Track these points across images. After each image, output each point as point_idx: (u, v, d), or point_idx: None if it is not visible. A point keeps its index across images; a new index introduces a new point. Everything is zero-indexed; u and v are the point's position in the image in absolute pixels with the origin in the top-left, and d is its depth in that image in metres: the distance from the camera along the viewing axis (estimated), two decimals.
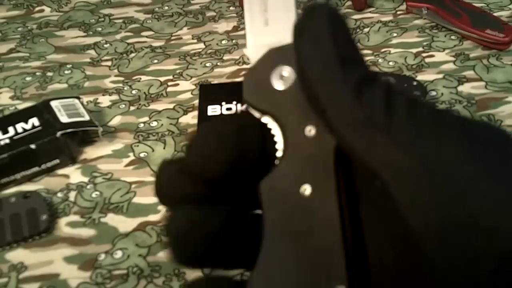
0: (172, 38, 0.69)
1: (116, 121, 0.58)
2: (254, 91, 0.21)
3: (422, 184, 0.16)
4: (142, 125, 0.57)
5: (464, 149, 0.16)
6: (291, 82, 0.20)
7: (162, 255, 0.45)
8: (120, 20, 0.73)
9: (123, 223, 0.47)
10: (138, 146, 0.54)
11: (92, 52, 0.68)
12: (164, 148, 0.54)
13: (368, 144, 0.17)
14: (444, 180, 0.16)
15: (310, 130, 0.19)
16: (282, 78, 0.20)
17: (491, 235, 0.15)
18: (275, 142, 0.20)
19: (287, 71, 0.20)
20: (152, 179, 0.51)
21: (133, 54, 0.67)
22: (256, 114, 0.21)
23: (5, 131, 0.51)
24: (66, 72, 0.65)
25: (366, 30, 0.67)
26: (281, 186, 0.20)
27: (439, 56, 0.62)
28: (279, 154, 0.20)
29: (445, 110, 0.18)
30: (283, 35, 0.22)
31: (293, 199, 0.19)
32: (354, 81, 0.18)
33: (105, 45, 0.69)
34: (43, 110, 0.53)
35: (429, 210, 0.16)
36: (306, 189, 0.19)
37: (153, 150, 0.54)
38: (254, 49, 0.22)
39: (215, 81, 0.61)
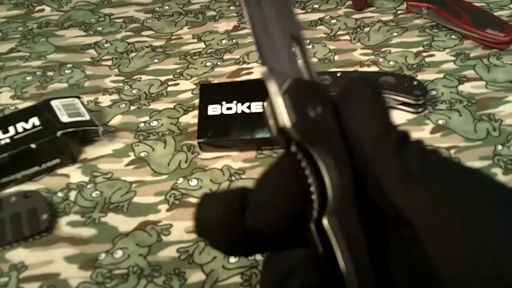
0: (173, 37, 0.69)
1: (116, 120, 0.58)
2: (293, 115, 0.20)
3: (454, 239, 0.17)
4: (142, 124, 0.57)
5: (497, 211, 0.18)
6: (320, 111, 0.21)
7: (163, 255, 0.45)
8: (121, 20, 0.73)
9: (124, 223, 0.47)
10: (138, 145, 0.54)
11: (92, 51, 0.68)
12: (164, 148, 0.54)
13: (406, 193, 0.19)
14: (478, 239, 0.17)
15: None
16: (314, 110, 0.21)
17: None
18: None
19: (315, 104, 0.21)
20: (152, 178, 0.51)
21: (133, 54, 0.67)
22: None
23: (6, 131, 0.51)
24: (66, 71, 0.65)
25: (366, 29, 0.67)
26: (344, 221, 0.20)
27: (440, 56, 0.62)
28: (329, 191, 0.20)
29: (476, 169, 0.20)
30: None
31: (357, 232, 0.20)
32: (395, 139, 0.20)
33: (106, 45, 0.69)
34: (43, 109, 0.53)
35: (459, 263, 0.17)
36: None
37: (153, 150, 0.54)
38: (272, 74, 0.23)
39: (216, 81, 0.61)
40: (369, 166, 0.20)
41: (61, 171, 0.53)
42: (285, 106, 0.20)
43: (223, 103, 0.53)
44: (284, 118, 0.20)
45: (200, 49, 0.66)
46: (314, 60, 0.63)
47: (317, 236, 0.20)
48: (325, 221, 0.20)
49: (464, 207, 0.18)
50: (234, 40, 0.67)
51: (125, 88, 0.62)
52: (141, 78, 0.63)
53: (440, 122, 0.54)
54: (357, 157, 0.20)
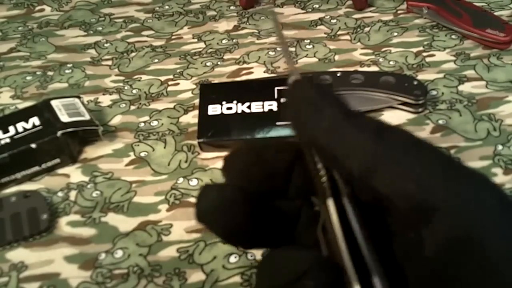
0: (173, 37, 0.69)
1: (116, 120, 0.58)
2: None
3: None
4: (142, 124, 0.57)
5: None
6: None
7: (163, 255, 0.45)
8: (121, 20, 0.73)
9: (124, 223, 0.47)
10: (138, 145, 0.54)
11: (92, 51, 0.68)
12: (164, 148, 0.54)
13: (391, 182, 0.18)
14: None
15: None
16: None
17: None
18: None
19: None
20: (152, 178, 0.51)
21: (133, 54, 0.67)
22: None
23: (6, 131, 0.51)
24: (66, 71, 0.65)
25: (366, 29, 0.67)
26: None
27: (440, 56, 0.62)
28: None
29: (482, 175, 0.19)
30: None
31: None
32: (371, 127, 0.19)
33: (106, 45, 0.69)
34: (43, 109, 0.53)
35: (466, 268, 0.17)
36: None
37: (153, 150, 0.54)
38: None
39: (216, 81, 0.61)
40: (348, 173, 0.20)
41: (61, 171, 0.53)
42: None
43: (223, 103, 0.53)
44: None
45: (200, 49, 0.66)
46: (314, 60, 0.63)
47: (323, 238, 0.20)
48: (345, 200, 0.20)
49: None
50: (234, 40, 0.67)
51: (125, 88, 0.62)
52: (141, 78, 0.63)
53: (440, 122, 0.54)
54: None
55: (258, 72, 0.62)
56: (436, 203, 0.17)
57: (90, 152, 0.54)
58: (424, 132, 0.53)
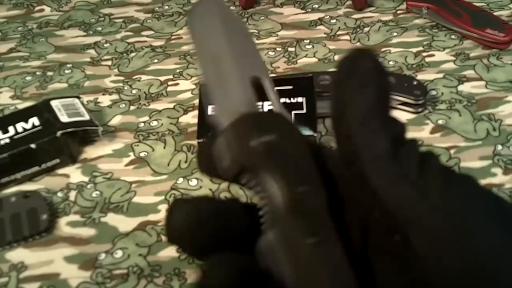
0: (172, 37, 0.69)
1: (116, 120, 0.58)
2: (236, 151, 0.21)
3: (449, 245, 0.17)
4: (142, 124, 0.57)
5: (491, 220, 0.17)
6: (272, 139, 0.20)
7: (163, 255, 0.45)
8: (120, 20, 0.73)
9: (123, 223, 0.47)
10: (138, 145, 0.54)
11: (92, 51, 0.68)
12: (164, 148, 0.54)
13: (400, 198, 0.18)
14: (471, 246, 0.17)
15: (302, 188, 0.20)
16: (261, 139, 0.20)
17: None
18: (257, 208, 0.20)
19: (265, 135, 0.20)
20: (152, 178, 0.51)
21: (133, 54, 0.67)
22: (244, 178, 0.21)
23: (5, 131, 0.51)
24: (66, 71, 0.65)
25: (366, 29, 0.67)
26: (289, 241, 0.19)
27: (439, 56, 0.62)
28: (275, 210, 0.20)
29: (472, 177, 0.19)
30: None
31: (302, 250, 0.19)
32: (391, 135, 0.19)
33: (105, 45, 0.69)
34: (43, 109, 0.53)
35: (453, 267, 0.17)
36: (311, 240, 0.19)
37: (153, 150, 0.54)
38: (219, 112, 0.24)
39: None
40: (359, 164, 0.19)
41: (61, 171, 0.53)
42: (224, 144, 0.21)
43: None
44: (222, 161, 0.21)
45: None
46: (314, 60, 0.63)
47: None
48: (270, 235, 0.19)
49: (462, 216, 0.17)
50: None
51: (125, 88, 0.62)
52: (141, 78, 0.63)
53: (440, 122, 0.54)
54: (346, 152, 0.19)
55: None
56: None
57: (90, 152, 0.54)
58: (424, 132, 0.53)
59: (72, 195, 0.50)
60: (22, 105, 0.59)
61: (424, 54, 0.62)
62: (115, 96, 0.61)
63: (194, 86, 0.61)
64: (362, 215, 0.19)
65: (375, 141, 0.18)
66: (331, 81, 0.56)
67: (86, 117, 0.54)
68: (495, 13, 0.65)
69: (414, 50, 0.63)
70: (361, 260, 0.19)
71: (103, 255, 0.45)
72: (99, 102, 0.60)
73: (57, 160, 0.52)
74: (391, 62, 0.61)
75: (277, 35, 0.68)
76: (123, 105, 0.59)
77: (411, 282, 0.18)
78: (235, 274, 0.19)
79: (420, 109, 0.55)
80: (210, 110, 0.54)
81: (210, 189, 0.49)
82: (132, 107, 0.59)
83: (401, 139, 0.19)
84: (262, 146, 0.20)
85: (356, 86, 0.19)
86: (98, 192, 0.50)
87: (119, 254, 0.45)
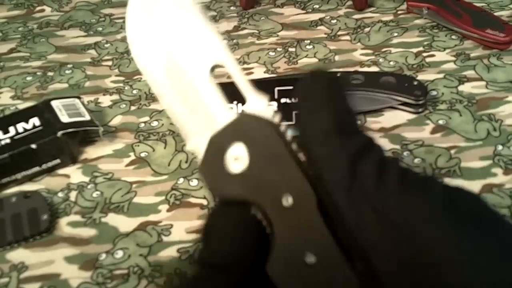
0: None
1: (116, 120, 0.58)
2: (215, 183, 0.21)
3: (407, 267, 0.17)
4: (142, 124, 0.57)
5: (451, 233, 0.17)
6: (246, 159, 0.20)
7: (163, 255, 0.45)
8: (121, 20, 0.73)
9: (124, 223, 0.47)
10: (138, 146, 0.54)
11: (92, 52, 0.68)
12: (164, 148, 0.54)
13: (359, 220, 0.18)
14: (433, 271, 0.16)
15: (287, 201, 0.19)
16: (236, 159, 0.20)
17: None
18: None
19: (238, 150, 0.20)
20: (152, 178, 0.51)
21: None
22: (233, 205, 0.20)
23: (6, 131, 0.51)
24: (66, 72, 0.65)
25: (366, 29, 0.67)
26: (285, 262, 0.19)
27: (440, 56, 0.62)
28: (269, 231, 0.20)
29: (431, 178, 0.19)
30: (214, 119, 0.22)
31: (300, 270, 0.19)
32: (350, 152, 0.19)
33: (106, 45, 0.69)
34: (43, 110, 0.53)
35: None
36: (311, 257, 0.19)
37: (153, 150, 0.54)
38: (194, 143, 0.23)
39: (216, 81, 0.61)
40: (325, 190, 0.19)
41: (61, 171, 0.53)
42: (205, 177, 0.21)
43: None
44: (210, 191, 0.21)
45: None
46: (315, 60, 0.63)
47: None
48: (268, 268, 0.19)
49: (421, 234, 0.17)
50: (234, 40, 0.67)
51: (126, 88, 0.62)
52: (141, 78, 0.63)
53: (440, 122, 0.54)
54: (316, 178, 0.20)
55: (259, 73, 0.62)
56: None
57: (91, 152, 0.54)
58: (424, 133, 0.53)
59: (73, 195, 0.50)
60: (23, 105, 0.60)
61: (425, 54, 0.62)
62: (115, 96, 0.61)
63: None
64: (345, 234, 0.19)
65: (333, 162, 0.19)
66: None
67: (87, 117, 0.54)
68: (495, 14, 0.65)
69: (415, 50, 0.63)
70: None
71: (103, 255, 0.45)
72: (99, 102, 0.60)
73: (58, 160, 0.52)
74: (391, 62, 0.61)
75: (278, 36, 0.68)
76: (124, 105, 0.59)
77: None
78: None
79: (420, 109, 0.55)
80: None
81: None
82: (132, 107, 0.59)
83: (368, 147, 0.20)
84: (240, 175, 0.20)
85: (311, 109, 0.20)
86: (98, 192, 0.50)
87: (119, 254, 0.45)
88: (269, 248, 0.20)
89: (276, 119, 0.22)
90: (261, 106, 0.23)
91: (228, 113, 0.23)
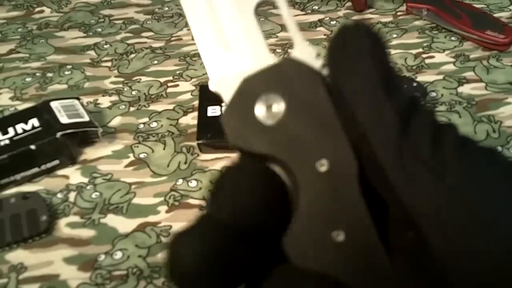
0: (172, 39, 0.69)
1: (116, 121, 0.58)
2: (240, 133, 0.18)
3: (466, 239, 0.14)
4: (142, 125, 0.57)
5: None
6: (281, 112, 0.18)
7: (162, 256, 0.45)
8: (120, 21, 0.73)
9: (123, 224, 0.47)
10: (138, 147, 0.54)
11: (92, 53, 0.68)
12: (164, 149, 0.54)
13: (410, 182, 0.15)
14: (492, 237, 0.14)
15: (322, 165, 0.17)
16: (269, 109, 0.18)
17: None
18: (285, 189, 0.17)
19: (273, 100, 0.18)
20: (151, 179, 0.51)
21: (133, 55, 0.67)
22: (250, 160, 0.18)
23: (5, 132, 0.51)
24: (66, 72, 0.65)
25: None
26: (309, 237, 0.17)
27: (439, 57, 0.62)
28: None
29: (496, 151, 0.16)
30: (252, 60, 0.19)
31: (325, 248, 0.16)
32: (399, 107, 0.16)
33: (105, 46, 0.69)
34: (43, 110, 0.53)
35: (473, 267, 0.14)
36: (339, 235, 0.16)
37: (153, 151, 0.54)
38: (221, 82, 0.19)
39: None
40: (367, 147, 0.16)
41: (60, 172, 0.52)
42: (226, 122, 0.18)
43: (223, 104, 0.53)
44: (229, 138, 0.18)
45: None
46: None
47: None
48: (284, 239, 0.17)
49: (481, 201, 0.15)
50: None
51: (125, 89, 0.62)
52: (140, 79, 0.63)
53: None
54: (351, 128, 0.17)
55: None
56: None
57: (90, 153, 0.54)
58: None
59: (72, 196, 0.50)
60: (22, 106, 0.60)
61: (424, 55, 0.62)
62: (114, 97, 0.61)
63: (193, 88, 0.61)
64: (379, 206, 0.17)
65: (381, 118, 0.16)
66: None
67: (86, 118, 0.54)
68: (495, 15, 0.65)
69: (414, 51, 0.63)
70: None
71: (102, 256, 0.45)
72: (98, 103, 0.60)
73: (57, 161, 0.52)
74: None
75: (277, 37, 0.68)
76: (123, 106, 0.59)
77: (428, 284, 0.16)
78: (207, 251, 0.16)
79: None
80: (210, 111, 0.54)
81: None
82: (132, 108, 0.59)
83: (414, 106, 0.17)
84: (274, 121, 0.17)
85: (350, 61, 0.17)
86: (97, 193, 0.50)
87: (118, 255, 0.45)
88: (289, 218, 0.17)
89: (325, 72, 0.18)
90: (310, 55, 0.19)
91: (269, 55, 0.20)
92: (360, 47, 0.17)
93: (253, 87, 0.18)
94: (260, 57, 0.19)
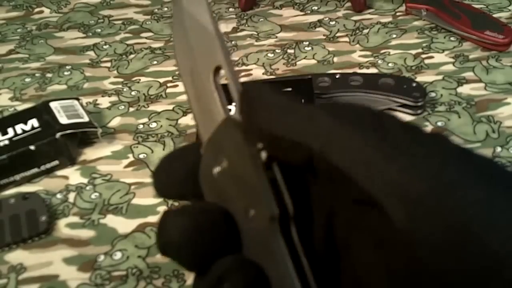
0: (171, 39, 0.69)
1: (115, 122, 0.58)
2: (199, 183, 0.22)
3: (427, 210, 0.15)
4: (141, 126, 0.57)
5: (470, 176, 0.15)
6: (224, 169, 0.21)
7: (161, 256, 0.45)
8: (120, 21, 0.73)
9: (123, 224, 0.47)
10: (137, 147, 0.54)
11: (91, 53, 0.68)
12: (163, 149, 0.54)
13: (366, 166, 0.16)
14: (453, 204, 0.15)
15: (251, 212, 0.19)
16: (220, 166, 0.21)
17: (500, 264, 0.14)
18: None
19: (221, 159, 0.21)
20: (151, 179, 0.51)
21: (132, 55, 0.67)
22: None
23: (5, 132, 0.51)
24: (65, 73, 0.65)
25: (365, 31, 0.67)
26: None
27: (439, 58, 0.62)
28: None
29: (442, 136, 0.17)
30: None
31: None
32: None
33: (105, 46, 0.69)
34: (42, 111, 0.53)
35: (435, 236, 0.15)
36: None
37: (152, 151, 0.54)
38: None
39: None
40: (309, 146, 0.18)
41: (60, 172, 0.52)
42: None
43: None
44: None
45: None
46: (313, 62, 0.63)
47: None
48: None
49: (438, 174, 0.15)
50: (233, 42, 0.67)
51: (124, 89, 0.62)
52: (140, 79, 0.63)
53: (439, 123, 0.54)
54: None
55: (257, 74, 0.62)
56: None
57: (89, 154, 0.54)
58: None
59: (71, 196, 0.50)
60: (21, 106, 0.60)
61: (423, 56, 0.62)
62: (114, 98, 0.61)
63: None
64: (322, 206, 0.18)
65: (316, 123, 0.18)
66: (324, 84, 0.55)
67: (85, 118, 0.54)
68: (494, 15, 0.65)
69: (413, 52, 0.63)
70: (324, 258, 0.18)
71: (102, 257, 0.45)
72: (98, 104, 0.60)
73: (56, 162, 0.52)
74: (390, 64, 0.61)
75: (277, 37, 0.68)
76: (122, 107, 0.59)
77: (392, 258, 0.16)
78: (193, 225, 0.20)
79: (419, 111, 0.55)
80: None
81: None
82: (131, 109, 0.59)
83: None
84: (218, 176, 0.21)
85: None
86: (97, 194, 0.50)
87: (118, 255, 0.45)
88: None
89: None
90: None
91: (222, 116, 0.23)
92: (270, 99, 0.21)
93: (210, 152, 0.22)
94: (218, 117, 0.23)
